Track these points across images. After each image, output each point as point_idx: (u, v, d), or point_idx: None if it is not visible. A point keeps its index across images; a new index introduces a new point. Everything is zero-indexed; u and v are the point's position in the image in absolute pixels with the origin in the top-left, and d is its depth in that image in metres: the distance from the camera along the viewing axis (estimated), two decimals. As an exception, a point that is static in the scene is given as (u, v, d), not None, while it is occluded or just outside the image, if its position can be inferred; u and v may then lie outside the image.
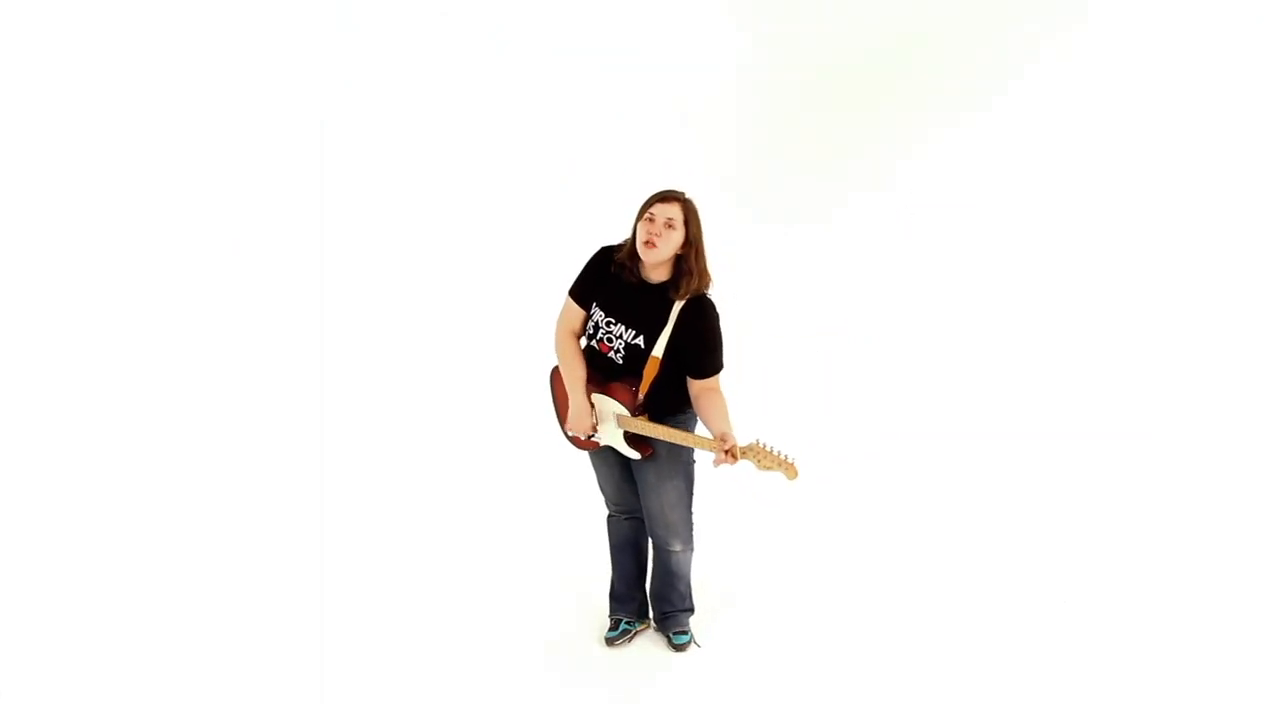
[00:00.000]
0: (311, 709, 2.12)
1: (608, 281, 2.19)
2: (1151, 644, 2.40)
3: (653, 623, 2.55)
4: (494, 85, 4.81)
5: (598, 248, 2.25)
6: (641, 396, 2.17)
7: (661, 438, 2.16)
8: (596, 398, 2.22)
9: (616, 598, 2.53)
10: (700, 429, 2.23)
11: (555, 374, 2.35)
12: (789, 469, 2.08)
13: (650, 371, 2.15)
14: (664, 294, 2.14)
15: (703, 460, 2.26)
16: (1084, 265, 5.00)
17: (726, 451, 2.04)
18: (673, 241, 2.08)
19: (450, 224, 4.74)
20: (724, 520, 3.33)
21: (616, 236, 2.24)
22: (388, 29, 4.47)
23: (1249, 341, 4.51)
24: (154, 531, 3.15)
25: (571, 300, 2.25)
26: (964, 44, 5.02)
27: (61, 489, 3.39)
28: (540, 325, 2.41)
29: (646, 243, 2.07)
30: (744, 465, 2.08)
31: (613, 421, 2.21)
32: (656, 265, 2.13)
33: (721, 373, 2.20)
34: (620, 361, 2.18)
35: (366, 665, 2.32)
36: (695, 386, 2.18)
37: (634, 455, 2.23)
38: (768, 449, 2.07)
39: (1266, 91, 4.32)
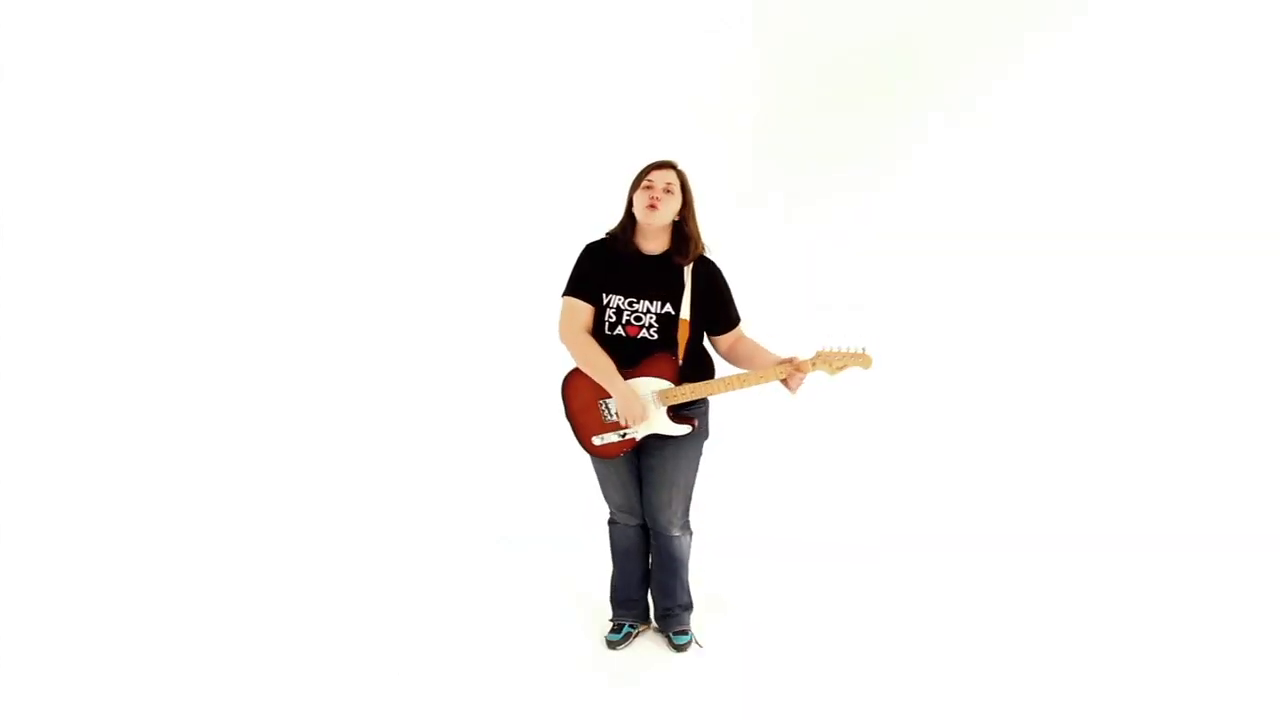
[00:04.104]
0: (313, 709, 2.11)
1: (609, 269, 2.22)
2: (1156, 661, 2.39)
3: (654, 622, 2.54)
4: (498, 84, 4.80)
5: (581, 248, 2.28)
6: (681, 361, 2.19)
7: (721, 391, 2.18)
8: (632, 384, 2.18)
9: (620, 603, 2.52)
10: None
11: (567, 385, 2.29)
12: (862, 359, 2.16)
13: (683, 336, 2.19)
14: (669, 261, 2.21)
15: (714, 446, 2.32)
16: (1086, 265, 4.99)
17: (796, 368, 2.12)
18: (673, 205, 2.18)
19: (452, 223, 4.73)
20: (722, 520, 3.33)
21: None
22: (389, 27, 4.46)
23: (1251, 344, 4.50)
24: (150, 531, 3.15)
25: (573, 300, 2.23)
26: (967, 43, 5.02)
27: (61, 489, 3.38)
28: (541, 326, 2.41)
29: (649, 206, 2.14)
30: (818, 379, 2.18)
31: (652, 403, 2.18)
32: (656, 232, 2.20)
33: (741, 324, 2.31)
34: (655, 336, 2.18)
35: (367, 665, 2.31)
36: (726, 342, 2.28)
37: (682, 430, 2.20)
38: (833, 350, 2.15)
39: (1266, 91, 4.32)
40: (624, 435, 2.21)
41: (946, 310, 5.37)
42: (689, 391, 2.15)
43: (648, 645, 2.45)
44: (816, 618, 2.58)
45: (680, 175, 2.20)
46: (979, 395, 4.82)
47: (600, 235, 2.29)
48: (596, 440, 2.25)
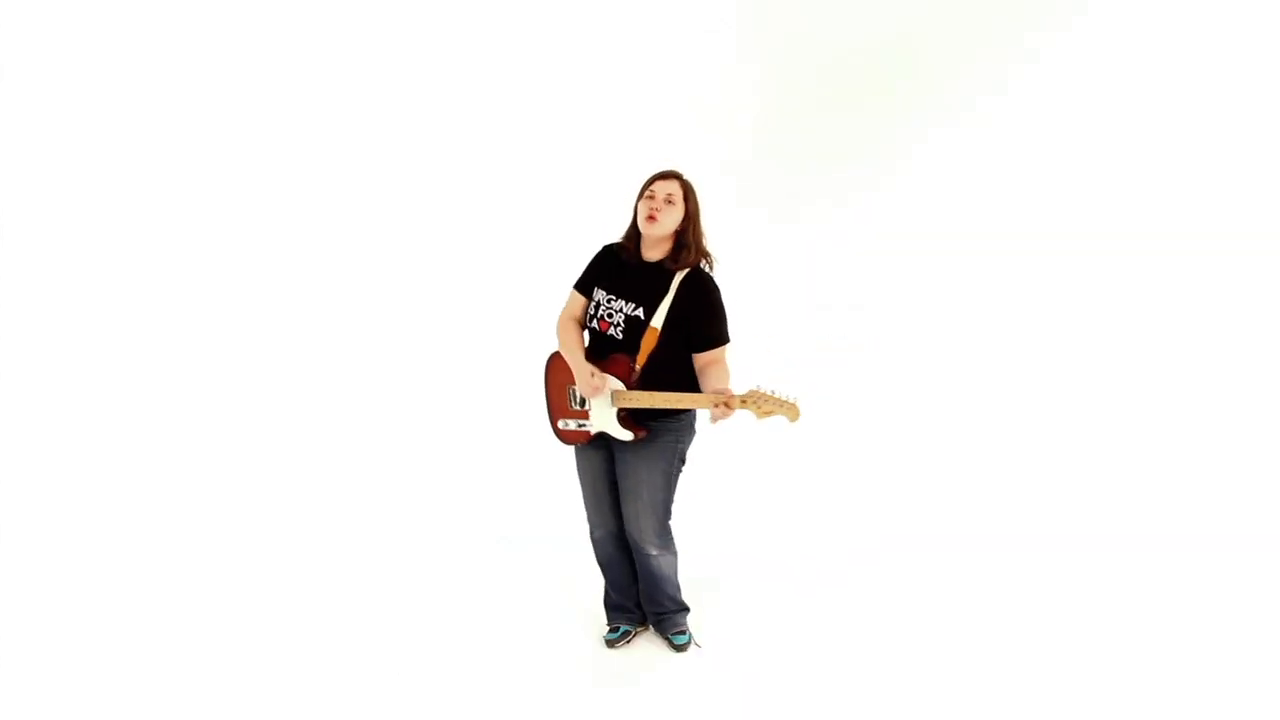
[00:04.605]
0: (313, 708, 2.12)
1: (612, 268, 2.27)
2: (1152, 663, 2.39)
3: (650, 625, 2.54)
4: (499, 84, 4.80)
5: (601, 246, 2.34)
6: (638, 368, 2.17)
7: (657, 404, 2.14)
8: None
9: (612, 607, 2.53)
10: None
11: (549, 365, 2.37)
12: (790, 409, 2.04)
13: (648, 343, 2.16)
14: (663, 268, 2.20)
15: (693, 465, 2.31)
16: (1089, 266, 4.99)
17: (723, 402, 2.01)
18: (673, 217, 2.17)
19: (452, 224, 4.73)
20: (722, 520, 3.33)
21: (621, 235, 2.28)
22: (390, 26, 4.46)
23: (1251, 346, 4.50)
24: (150, 532, 3.15)
25: (575, 291, 2.33)
26: (967, 43, 5.02)
27: (60, 490, 3.38)
28: (540, 325, 2.42)
29: (649, 218, 2.15)
30: (745, 416, 2.06)
31: (608, 400, 2.19)
32: (657, 242, 2.20)
33: (727, 346, 2.22)
34: (620, 336, 2.20)
35: (367, 665, 2.32)
36: (700, 360, 2.20)
37: (626, 436, 2.19)
38: (766, 392, 2.03)
39: (1267, 91, 4.32)
40: (581, 425, 2.26)
41: (946, 310, 5.37)
42: (634, 398, 2.15)
43: (647, 645, 2.45)
44: (816, 618, 2.58)
45: (684, 185, 2.19)
46: (979, 395, 4.82)
47: (606, 235, 2.34)
48: (560, 424, 2.34)
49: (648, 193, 2.18)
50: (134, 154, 3.92)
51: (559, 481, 3.68)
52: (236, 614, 2.57)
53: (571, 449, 2.41)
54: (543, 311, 2.48)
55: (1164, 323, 4.76)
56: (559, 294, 2.36)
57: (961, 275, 5.35)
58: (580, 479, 2.42)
